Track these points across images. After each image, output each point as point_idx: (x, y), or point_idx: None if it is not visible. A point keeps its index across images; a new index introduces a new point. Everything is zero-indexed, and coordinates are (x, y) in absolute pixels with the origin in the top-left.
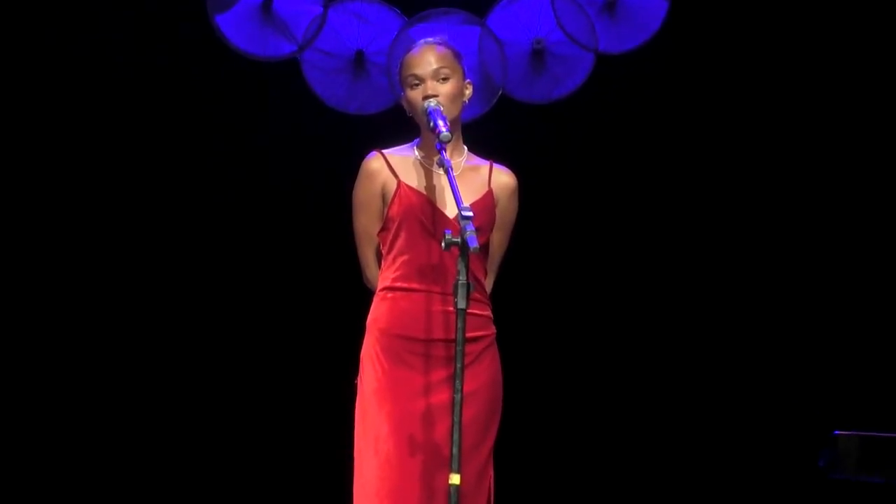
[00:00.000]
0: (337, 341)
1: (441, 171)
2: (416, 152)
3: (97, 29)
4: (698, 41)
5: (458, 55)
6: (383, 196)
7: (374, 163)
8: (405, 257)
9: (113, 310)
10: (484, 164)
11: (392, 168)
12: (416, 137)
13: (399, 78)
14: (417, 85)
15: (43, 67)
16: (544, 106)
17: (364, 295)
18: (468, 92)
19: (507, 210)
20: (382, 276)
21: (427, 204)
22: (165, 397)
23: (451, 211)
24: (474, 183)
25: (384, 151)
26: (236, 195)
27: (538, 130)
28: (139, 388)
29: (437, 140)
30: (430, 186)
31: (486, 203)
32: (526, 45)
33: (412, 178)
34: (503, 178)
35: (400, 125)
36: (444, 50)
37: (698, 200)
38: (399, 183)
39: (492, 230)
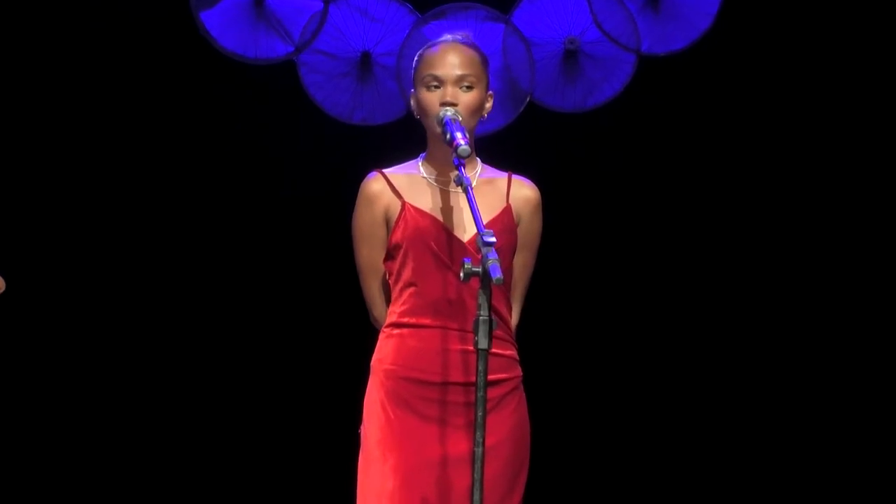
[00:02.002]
0: (338, 384)
1: (453, 189)
2: (422, 169)
3: (93, 32)
4: (755, 41)
5: (485, 61)
6: (387, 222)
7: (375, 185)
8: (413, 289)
9: (104, 329)
10: (501, 177)
11: (395, 189)
12: (420, 152)
13: (413, 73)
14: (436, 87)
15: (40, 71)
16: (577, 115)
17: (368, 330)
18: (488, 105)
19: (529, 228)
20: (389, 311)
21: (437, 227)
22: (151, 445)
23: (465, 234)
24: (490, 198)
25: (385, 171)
26: (227, 215)
27: (569, 143)
28: (125, 423)
29: (454, 155)
30: (440, 207)
31: (505, 221)
32: (557, 45)
33: (418, 198)
34: (524, 192)
35: (413, 137)
36: (472, 53)
37: (759, 225)
38: (404, 204)
39: (513, 253)
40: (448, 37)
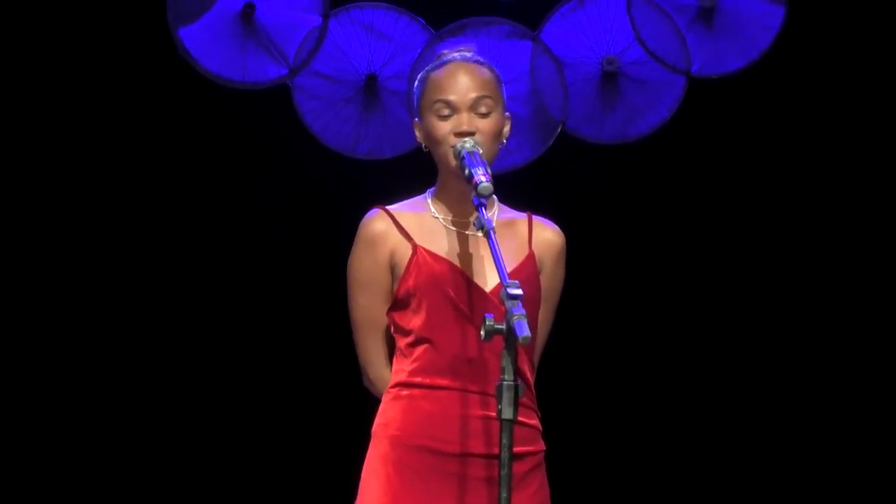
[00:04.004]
0: (330, 452)
1: (470, 232)
2: (431, 207)
3: (90, 32)
4: (822, 60)
5: (499, 81)
6: (392, 267)
7: (378, 224)
8: (427, 344)
9: (99, 337)
10: (521, 218)
11: (403, 229)
12: (429, 186)
13: (419, 101)
14: (447, 115)
15: (37, 72)
16: (617, 146)
17: (364, 391)
18: (506, 129)
19: (552, 277)
20: (396, 370)
21: (455, 274)
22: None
23: (487, 283)
24: (511, 244)
25: (389, 208)
26: (225, 217)
27: (605, 178)
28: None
29: (474, 194)
30: (454, 250)
31: (528, 269)
32: (594, 65)
33: (431, 240)
34: (547, 236)
35: (427, 169)
36: (485, 71)
37: (827, 275)
38: (416, 247)
39: (538, 306)
40: (454, 55)
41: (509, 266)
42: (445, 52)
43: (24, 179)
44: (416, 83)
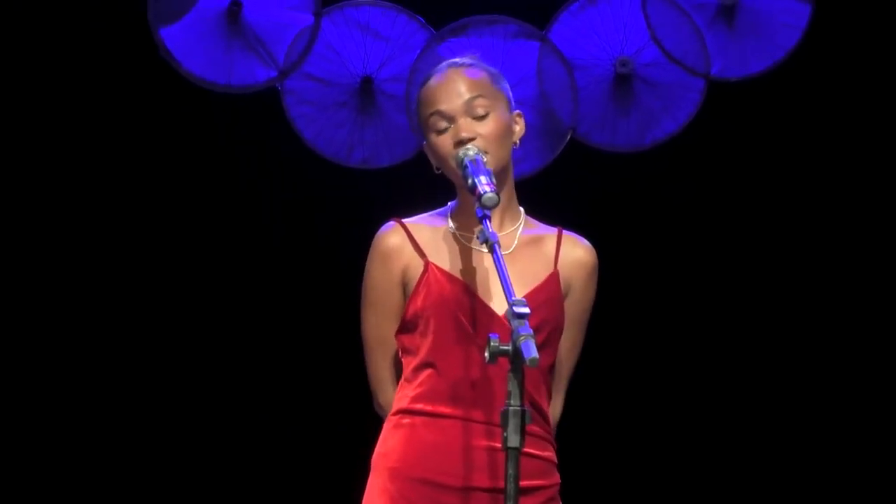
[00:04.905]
0: (328, 484)
1: (486, 249)
2: (451, 221)
3: (86, 32)
4: (851, 62)
5: (496, 77)
6: (404, 285)
7: (392, 238)
8: (432, 369)
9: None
10: (550, 233)
11: (417, 244)
12: (449, 200)
13: (418, 119)
14: (445, 128)
15: (34, 73)
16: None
17: (368, 413)
18: (518, 128)
19: (581, 298)
20: (399, 395)
21: (467, 295)
22: None
23: (500, 304)
24: (535, 261)
25: (406, 221)
26: (224, 218)
27: (617, 185)
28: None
29: (477, 205)
30: (471, 269)
31: (551, 290)
32: (606, 67)
33: (445, 257)
34: (576, 253)
35: (430, 179)
36: (477, 73)
37: (853, 290)
38: (427, 264)
39: (560, 330)
40: (444, 64)
41: (529, 286)
42: (441, 64)
43: (22, 185)
44: (413, 104)
